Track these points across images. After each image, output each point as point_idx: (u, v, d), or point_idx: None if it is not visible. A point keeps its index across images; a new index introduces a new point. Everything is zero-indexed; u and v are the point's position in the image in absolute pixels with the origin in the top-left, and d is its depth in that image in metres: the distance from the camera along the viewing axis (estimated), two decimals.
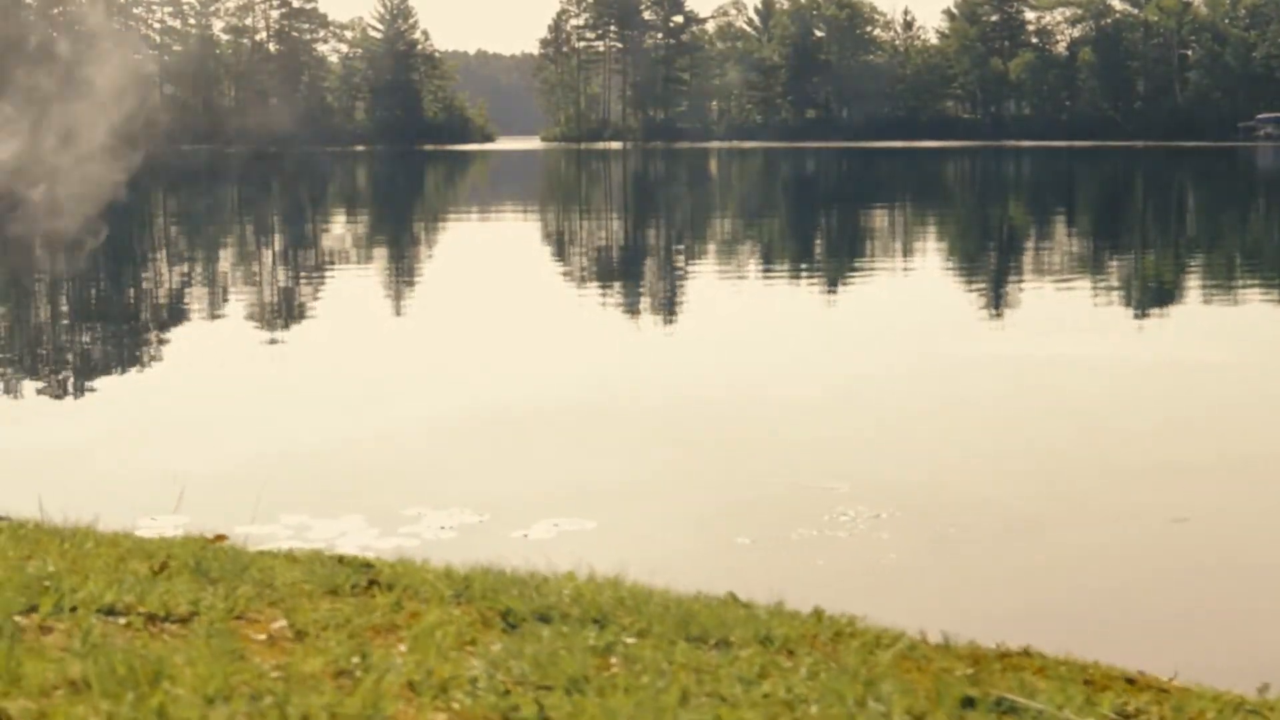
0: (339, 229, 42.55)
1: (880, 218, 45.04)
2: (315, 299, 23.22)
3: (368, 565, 5.22)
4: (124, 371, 16.06)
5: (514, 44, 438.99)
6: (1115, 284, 25.36)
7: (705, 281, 25.53)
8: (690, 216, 46.26)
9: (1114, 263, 29.92)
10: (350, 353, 16.93)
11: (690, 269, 28.49)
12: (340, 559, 5.45)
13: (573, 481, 10.19)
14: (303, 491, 9.72)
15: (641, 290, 24.84)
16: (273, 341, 18.22)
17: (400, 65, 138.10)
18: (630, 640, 4.04)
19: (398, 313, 21.63)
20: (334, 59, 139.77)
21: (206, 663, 3.27)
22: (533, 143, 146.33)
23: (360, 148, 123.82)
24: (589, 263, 30.59)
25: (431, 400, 13.60)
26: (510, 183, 75.12)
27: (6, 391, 14.34)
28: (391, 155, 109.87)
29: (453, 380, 14.92)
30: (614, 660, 3.80)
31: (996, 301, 22.48)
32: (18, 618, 3.59)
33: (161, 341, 18.78)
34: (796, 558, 8.39)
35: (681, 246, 34.49)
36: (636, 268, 29.37)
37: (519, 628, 4.18)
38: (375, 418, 12.67)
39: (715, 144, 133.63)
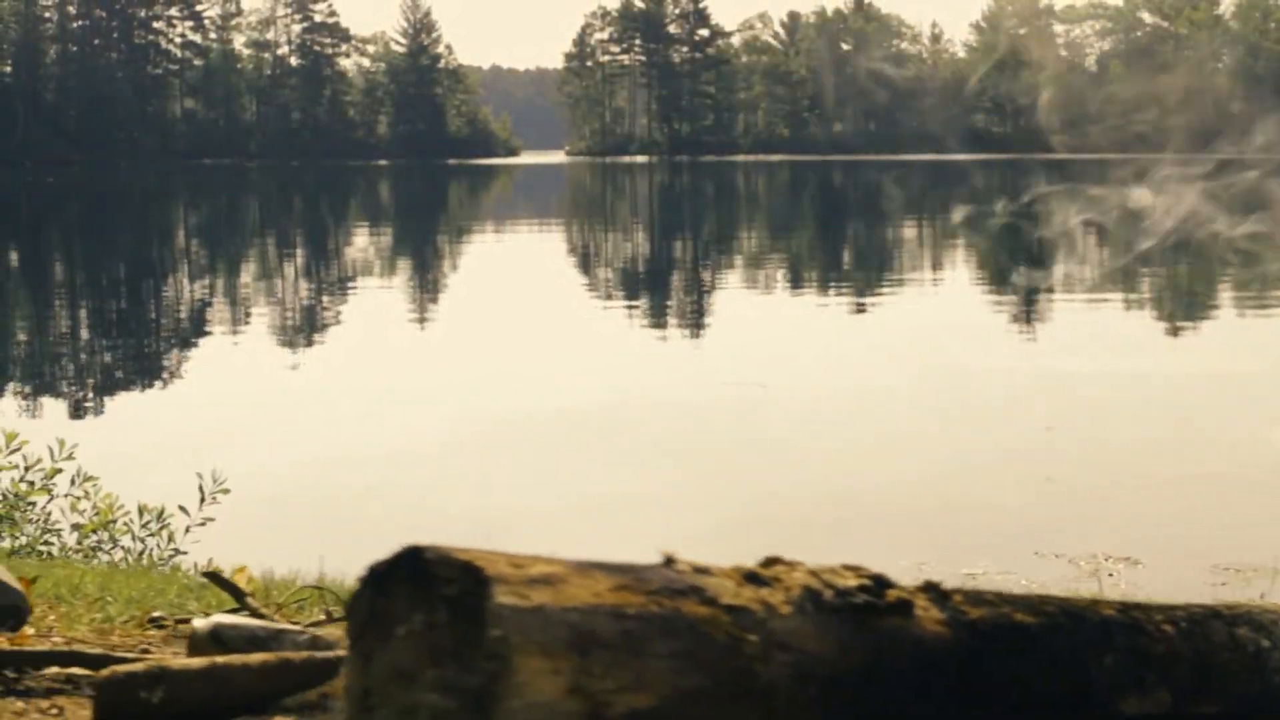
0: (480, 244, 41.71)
1: (910, 230, 44.21)
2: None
3: None
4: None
5: (529, 59, 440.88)
6: (1146, 298, 24.56)
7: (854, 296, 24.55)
8: (729, 230, 45.47)
9: (1143, 276, 29.09)
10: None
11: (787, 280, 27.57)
12: None
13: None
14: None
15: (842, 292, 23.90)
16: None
17: (423, 79, 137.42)
18: None
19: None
20: (356, 73, 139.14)
21: None
22: (557, 156, 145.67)
23: (383, 162, 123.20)
24: (675, 277, 29.72)
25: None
26: (538, 197, 74.34)
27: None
28: (415, 169, 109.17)
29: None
30: None
31: (1031, 314, 21.76)
32: None
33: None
34: None
35: (753, 258, 33.58)
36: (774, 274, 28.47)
37: None
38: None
39: (741, 157, 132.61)
